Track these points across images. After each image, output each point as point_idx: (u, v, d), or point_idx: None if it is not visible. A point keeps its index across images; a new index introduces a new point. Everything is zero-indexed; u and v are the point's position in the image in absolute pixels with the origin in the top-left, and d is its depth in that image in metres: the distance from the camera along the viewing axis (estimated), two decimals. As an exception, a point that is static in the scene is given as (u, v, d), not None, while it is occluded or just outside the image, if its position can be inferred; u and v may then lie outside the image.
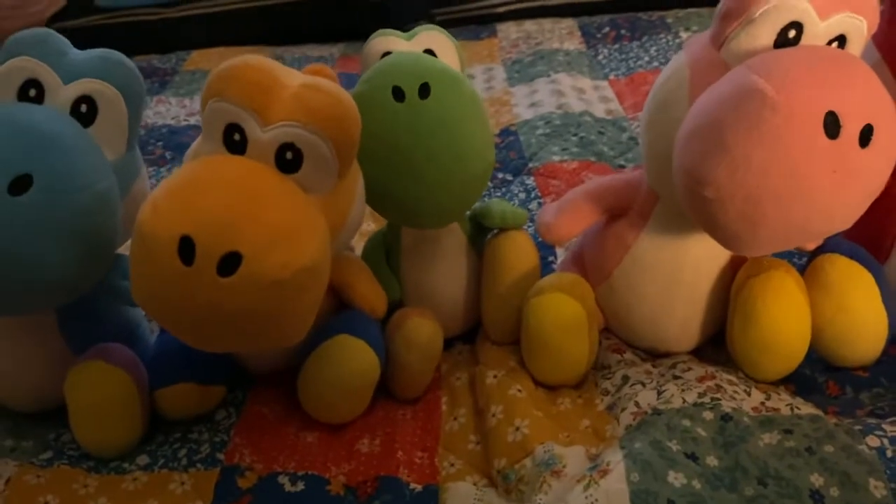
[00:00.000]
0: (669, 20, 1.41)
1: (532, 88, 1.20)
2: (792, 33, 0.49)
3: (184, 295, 0.43)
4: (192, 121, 1.25)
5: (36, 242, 0.47)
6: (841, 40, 0.50)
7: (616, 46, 1.34)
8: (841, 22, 0.49)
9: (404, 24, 1.51)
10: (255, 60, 0.47)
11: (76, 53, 0.55)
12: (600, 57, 1.32)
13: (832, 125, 0.44)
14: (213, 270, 0.43)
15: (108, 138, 0.54)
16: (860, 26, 0.49)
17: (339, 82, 0.54)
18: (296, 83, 0.48)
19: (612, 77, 1.23)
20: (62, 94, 0.53)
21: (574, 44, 1.37)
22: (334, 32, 1.59)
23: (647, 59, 1.27)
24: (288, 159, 0.48)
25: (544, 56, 1.31)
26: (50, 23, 1.60)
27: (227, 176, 0.45)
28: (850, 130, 0.44)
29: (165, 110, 1.29)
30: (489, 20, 1.56)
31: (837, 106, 0.44)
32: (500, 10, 1.55)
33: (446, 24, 1.54)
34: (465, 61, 0.64)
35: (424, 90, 0.54)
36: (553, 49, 1.34)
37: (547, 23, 1.49)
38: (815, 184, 0.44)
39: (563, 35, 1.41)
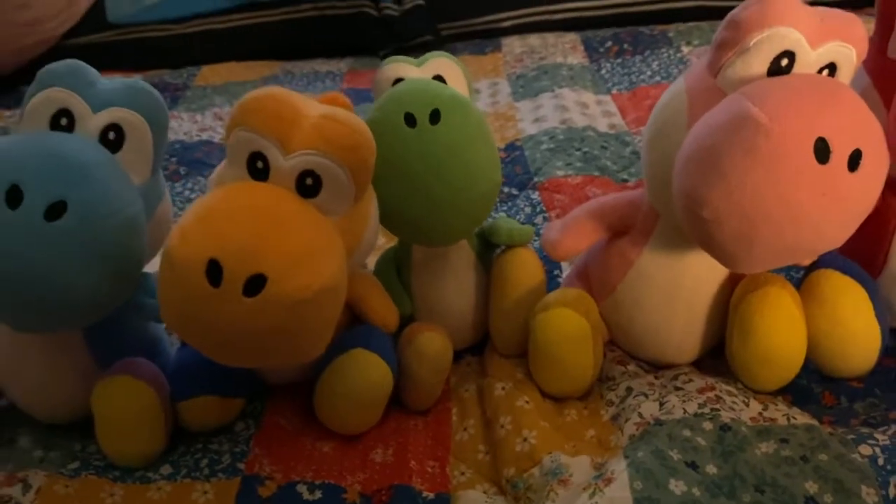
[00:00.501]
0: (671, 34, 1.44)
1: (536, 103, 1.22)
2: (784, 62, 0.51)
3: (212, 315, 0.46)
4: (205, 136, 1.27)
5: (70, 266, 0.49)
6: (831, 68, 0.52)
7: (619, 61, 1.37)
8: (831, 51, 0.51)
9: (411, 39, 1.56)
10: (278, 92, 0.50)
11: (104, 83, 0.58)
12: (603, 71, 1.34)
13: (822, 151, 0.46)
14: (239, 291, 0.45)
15: (135, 164, 0.56)
16: (849, 55, 0.52)
17: (351, 108, 0.57)
18: (315, 114, 0.51)
19: (614, 91, 1.26)
20: (91, 122, 0.56)
21: (577, 58, 1.40)
22: (342, 47, 1.62)
23: (649, 73, 1.30)
24: (308, 185, 0.51)
25: (548, 71, 1.33)
26: (63, 39, 1.63)
27: (251, 202, 0.48)
28: (839, 155, 0.47)
29: (178, 126, 1.31)
30: (494, 34, 1.58)
31: (827, 132, 0.46)
32: (505, 24, 1.58)
33: (452, 39, 1.59)
34: (472, 84, 0.66)
35: (435, 116, 0.57)
36: (557, 63, 1.36)
37: (550, 37, 1.52)
38: (805, 206, 0.47)
39: (566, 49, 1.44)
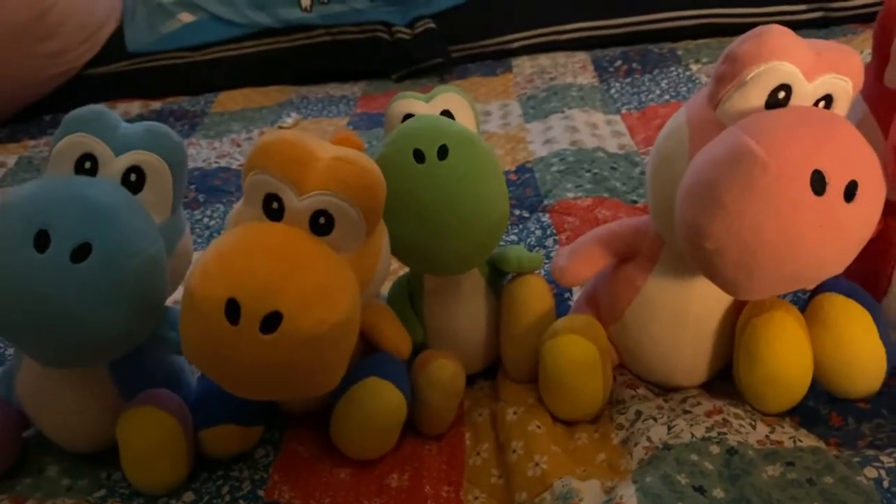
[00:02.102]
0: (680, 52, 1.45)
1: (546, 125, 1.24)
2: (781, 94, 0.52)
3: (231, 351, 0.48)
4: (223, 163, 1.30)
5: (95, 305, 0.51)
6: (828, 99, 0.53)
7: (628, 80, 1.38)
8: (827, 83, 0.53)
9: (423, 61, 1.58)
10: (291, 136, 0.52)
11: (126, 127, 0.60)
12: (612, 91, 1.36)
13: (818, 183, 0.48)
14: (256, 328, 0.47)
15: (156, 203, 0.59)
16: (845, 86, 0.53)
17: (363, 147, 0.59)
18: (327, 156, 0.53)
19: (624, 111, 1.27)
20: (114, 165, 0.58)
21: (587, 78, 1.42)
22: (356, 72, 1.64)
23: (658, 92, 1.31)
24: (321, 224, 0.53)
25: (558, 91, 1.35)
26: (84, 69, 1.67)
27: (267, 242, 0.50)
28: (836, 187, 0.48)
29: (196, 153, 1.34)
30: (504, 55, 1.60)
31: (823, 164, 0.48)
32: (515, 45, 1.59)
33: (463, 61, 1.61)
34: (479, 119, 0.68)
35: (443, 152, 0.59)
36: (567, 84, 1.38)
37: (560, 57, 1.54)
38: (804, 237, 0.48)
39: (576, 69, 1.46)
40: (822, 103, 0.53)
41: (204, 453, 0.63)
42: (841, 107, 0.54)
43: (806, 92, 0.53)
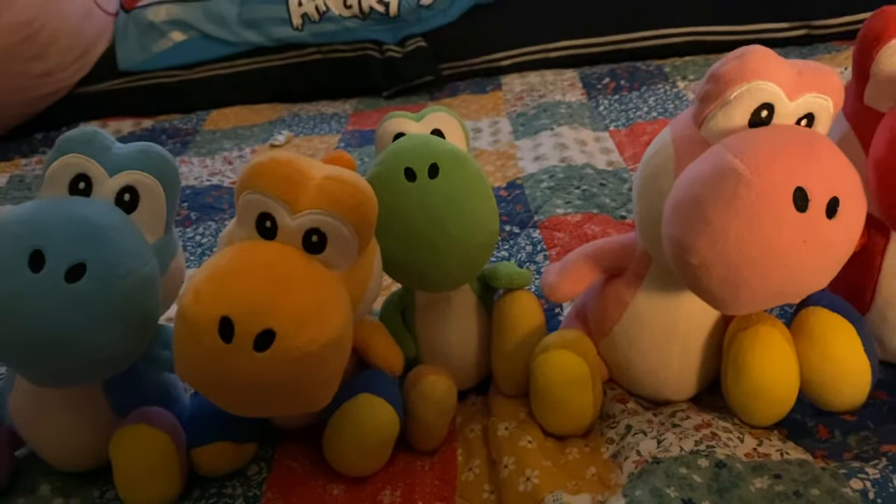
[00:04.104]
0: (667, 69, 1.47)
1: (536, 142, 1.25)
2: (764, 113, 0.54)
3: (224, 369, 0.49)
4: (215, 180, 1.30)
5: (89, 325, 0.52)
6: (809, 118, 0.55)
7: (616, 97, 1.40)
8: (808, 102, 0.54)
9: (413, 79, 1.60)
10: (283, 156, 0.53)
11: (119, 147, 0.61)
12: (601, 108, 1.37)
13: (801, 200, 0.49)
14: (249, 347, 0.48)
15: (149, 223, 0.59)
16: (826, 105, 0.54)
17: (355, 165, 0.60)
18: (320, 175, 0.54)
19: (612, 128, 1.29)
20: (108, 185, 0.59)
21: (576, 95, 1.43)
22: (347, 89, 1.66)
23: (645, 109, 1.33)
24: (314, 242, 0.54)
25: (547, 109, 1.36)
26: (76, 87, 1.68)
27: (260, 261, 0.51)
28: (818, 204, 0.49)
29: (188, 171, 1.35)
30: (494, 73, 1.62)
31: (805, 182, 0.49)
32: (504, 63, 1.61)
33: (453, 79, 1.63)
34: (470, 137, 0.69)
35: (433, 170, 0.59)
36: (556, 101, 1.40)
37: (549, 74, 1.56)
38: (787, 253, 0.49)
39: (564, 87, 1.47)
40: (804, 122, 0.55)
41: (197, 471, 0.63)
42: (822, 125, 0.55)
43: (788, 111, 0.54)
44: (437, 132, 0.66)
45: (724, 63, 0.55)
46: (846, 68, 1.21)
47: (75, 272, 0.51)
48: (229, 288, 0.49)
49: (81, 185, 0.58)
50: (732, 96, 0.54)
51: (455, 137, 0.66)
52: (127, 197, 0.59)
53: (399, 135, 0.66)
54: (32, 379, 0.56)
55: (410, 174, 0.60)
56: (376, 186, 0.57)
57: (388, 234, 0.60)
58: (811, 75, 0.54)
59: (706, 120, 0.55)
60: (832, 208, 0.49)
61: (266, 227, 0.54)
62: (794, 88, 0.54)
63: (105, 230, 0.54)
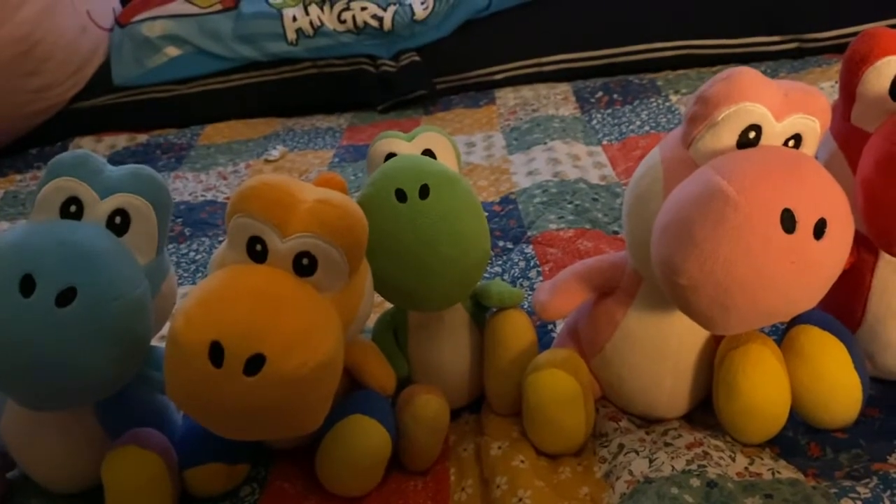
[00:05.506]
0: (659, 83, 1.48)
1: (529, 157, 1.25)
2: (752, 134, 0.54)
3: (215, 393, 0.49)
4: (209, 196, 1.31)
5: (80, 348, 0.52)
6: (797, 138, 0.55)
7: (609, 111, 1.41)
8: (795, 123, 0.54)
9: (407, 93, 1.60)
10: (274, 180, 0.53)
11: (111, 170, 0.61)
12: (594, 122, 1.38)
13: (788, 221, 0.49)
14: (239, 371, 0.48)
15: (140, 245, 0.60)
16: (813, 126, 0.55)
17: (346, 187, 0.60)
18: (310, 198, 0.54)
19: (605, 142, 1.29)
20: (99, 208, 0.59)
21: (569, 109, 1.44)
22: (341, 104, 1.66)
23: (638, 123, 1.33)
24: (304, 265, 0.54)
25: (541, 123, 1.37)
26: (70, 103, 1.68)
27: (250, 285, 0.51)
28: (805, 225, 0.49)
29: (182, 186, 1.35)
30: (487, 87, 1.63)
31: (793, 203, 0.49)
32: (498, 77, 1.62)
33: (447, 93, 1.63)
34: (461, 157, 0.69)
35: (424, 191, 0.60)
36: (549, 116, 1.40)
37: (542, 88, 1.56)
38: (776, 274, 0.49)
39: (558, 101, 1.48)
40: (791, 142, 0.55)
41: (189, 492, 0.63)
42: (809, 146, 0.56)
43: (775, 132, 0.54)
44: (429, 152, 0.67)
45: (712, 84, 0.55)
46: (837, 81, 1.21)
47: (66, 296, 0.51)
48: (219, 313, 0.49)
49: (73, 208, 0.58)
50: (720, 118, 0.54)
51: (446, 157, 0.67)
52: (118, 220, 0.59)
53: (390, 155, 0.66)
54: (23, 402, 0.56)
55: (401, 195, 0.60)
56: (367, 208, 0.58)
57: (380, 254, 0.60)
58: (798, 96, 0.55)
59: (694, 141, 0.56)
60: (820, 229, 0.50)
61: (256, 251, 0.54)
62: (781, 109, 0.54)
63: (96, 254, 0.54)
